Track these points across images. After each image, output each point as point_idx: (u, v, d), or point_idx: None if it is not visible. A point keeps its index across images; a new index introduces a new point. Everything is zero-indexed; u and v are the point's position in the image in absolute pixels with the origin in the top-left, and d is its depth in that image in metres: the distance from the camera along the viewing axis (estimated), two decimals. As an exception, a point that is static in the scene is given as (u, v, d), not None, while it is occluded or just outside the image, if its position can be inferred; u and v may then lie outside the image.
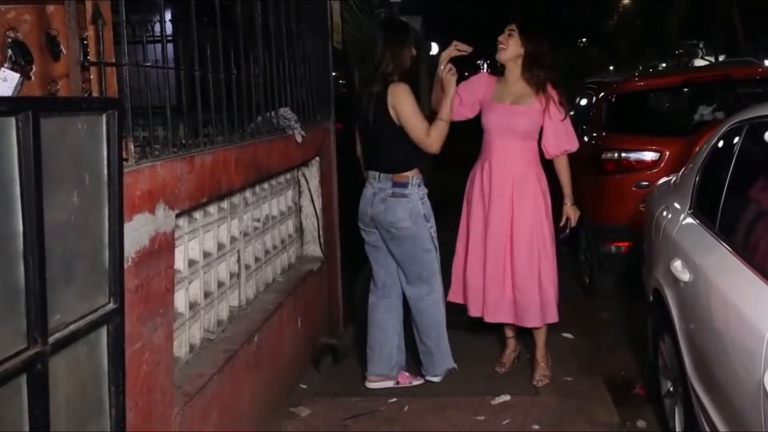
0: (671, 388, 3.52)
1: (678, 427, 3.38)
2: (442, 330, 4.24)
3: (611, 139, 5.83)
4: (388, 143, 4.05)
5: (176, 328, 2.84)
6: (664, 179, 4.50)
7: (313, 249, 4.71)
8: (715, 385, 2.77)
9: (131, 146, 2.32)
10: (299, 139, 4.06)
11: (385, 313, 4.25)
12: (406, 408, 3.96)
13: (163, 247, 2.49)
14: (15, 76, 1.87)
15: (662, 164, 5.37)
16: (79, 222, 1.74)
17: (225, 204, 3.42)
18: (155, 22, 3.38)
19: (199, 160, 2.79)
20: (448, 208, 4.92)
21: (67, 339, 1.67)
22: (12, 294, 1.52)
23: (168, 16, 3.87)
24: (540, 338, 4.33)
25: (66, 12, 2.08)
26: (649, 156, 5.48)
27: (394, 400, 4.04)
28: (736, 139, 3.29)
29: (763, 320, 2.35)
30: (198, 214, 3.14)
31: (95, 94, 2.20)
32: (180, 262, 2.94)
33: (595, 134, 6.18)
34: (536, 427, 3.72)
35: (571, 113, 4.57)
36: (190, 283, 3.08)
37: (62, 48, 2.06)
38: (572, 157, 4.28)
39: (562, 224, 4.25)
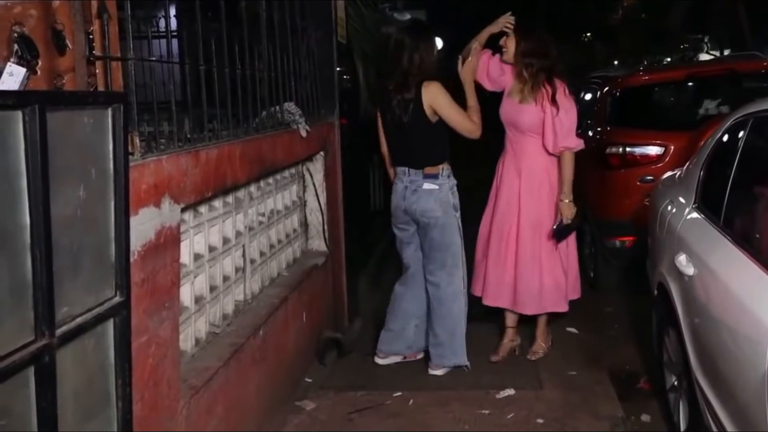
0: (675, 382, 3.52)
1: (682, 421, 3.38)
2: (458, 325, 4.27)
3: (616, 133, 5.82)
4: (423, 141, 4.15)
5: (182, 321, 2.85)
6: (669, 174, 4.49)
7: (318, 243, 4.72)
8: (719, 379, 2.77)
9: (137, 140, 2.34)
10: (304, 133, 4.07)
11: (411, 302, 4.37)
12: (411, 402, 3.97)
13: (168, 240, 2.50)
14: (21, 71, 1.87)
15: (667, 159, 5.36)
16: (86, 215, 1.75)
17: (230, 198, 3.43)
18: (160, 18, 3.39)
19: (204, 154, 2.80)
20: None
21: (73, 332, 1.68)
22: (19, 287, 1.53)
23: (173, 11, 3.88)
24: (540, 322, 4.52)
25: (71, 7, 2.09)
26: (653, 150, 5.47)
27: (399, 393, 4.05)
28: (741, 134, 3.29)
29: (768, 314, 2.36)
30: (203, 209, 3.15)
31: (101, 88, 2.20)
32: (185, 256, 2.95)
33: (599, 129, 6.16)
34: (540, 420, 3.73)
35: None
36: (195, 277, 3.09)
37: (68, 43, 2.06)
38: (577, 152, 4.29)
39: (556, 221, 4.27)
